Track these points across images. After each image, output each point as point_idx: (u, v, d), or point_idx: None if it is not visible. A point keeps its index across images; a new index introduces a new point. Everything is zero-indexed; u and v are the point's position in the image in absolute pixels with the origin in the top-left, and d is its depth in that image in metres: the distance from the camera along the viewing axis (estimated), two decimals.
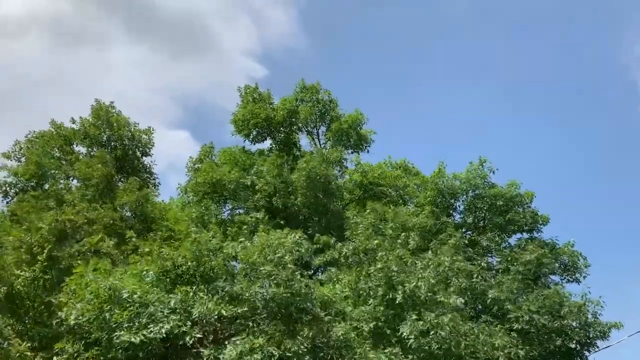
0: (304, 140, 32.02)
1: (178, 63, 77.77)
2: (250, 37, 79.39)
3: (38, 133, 25.82)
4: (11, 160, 25.19)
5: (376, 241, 19.05)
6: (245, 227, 24.72)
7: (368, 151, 30.50)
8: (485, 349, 17.67)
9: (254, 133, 30.15)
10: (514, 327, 21.71)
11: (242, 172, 28.76)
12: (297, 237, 17.13)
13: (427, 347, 16.51)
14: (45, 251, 19.34)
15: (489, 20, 76.82)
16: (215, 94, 78.39)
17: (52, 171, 24.52)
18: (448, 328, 16.46)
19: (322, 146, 30.69)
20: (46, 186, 24.39)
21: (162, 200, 27.43)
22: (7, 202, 24.37)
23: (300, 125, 30.88)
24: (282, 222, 25.03)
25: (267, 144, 31.10)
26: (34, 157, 24.41)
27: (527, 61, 76.70)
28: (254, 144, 30.79)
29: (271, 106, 30.50)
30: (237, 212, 28.75)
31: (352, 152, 30.28)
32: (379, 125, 33.54)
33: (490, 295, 22.52)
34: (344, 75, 73.19)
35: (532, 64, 77.22)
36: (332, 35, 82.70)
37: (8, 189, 24.55)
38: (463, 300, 18.63)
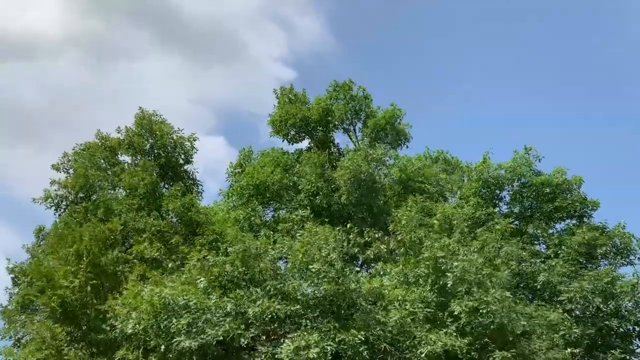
0: (341, 138, 32.17)
1: (209, 72, 79.18)
2: (279, 44, 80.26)
3: (85, 145, 26.41)
4: (60, 173, 25.91)
5: (422, 232, 19.03)
6: (290, 224, 24.95)
7: (407, 146, 30.45)
8: (541, 330, 17.55)
9: (292, 133, 30.35)
10: (567, 308, 21.57)
11: (284, 172, 28.98)
12: (341, 233, 17.38)
13: (480, 328, 16.56)
14: (86, 260, 19.92)
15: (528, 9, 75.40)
16: (247, 100, 79.47)
17: (99, 182, 25.11)
18: (498, 303, 16.46)
19: (359, 143, 30.71)
20: (94, 197, 25.01)
21: (208, 205, 27.97)
22: (59, 215, 25.15)
23: (336, 123, 31.02)
24: (326, 220, 25.13)
25: (305, 143, 31.30)
26: (81, 169, 25.01)
27: (572, 45, 74.90)
28: (292, 144, 31.03)
29: (307, 106, 30.68)
30: (281, 212, 28.99)
31: (391, 148, 30.16)
32: (414, 122, 33.56)
33: (540, 279, 22.40)
34: (375, 78, 72.99)
35: (577, 47, 75.28)
36: (361, 39, 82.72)
37: (60, 201, 25.28)
38: (510, 278, 18.59)
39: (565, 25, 76.11)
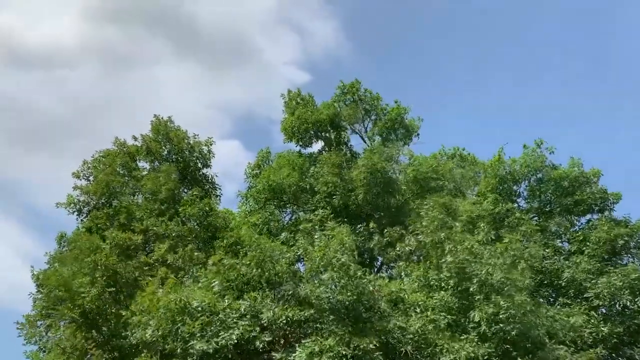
0: (353, 140, 32.00)
1: (225, 77, 79.84)
2: (293, 48, 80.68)
3: (104, 152, 26.82)
4: (81, 180, 26.30)
5: (443, 234, 18.75)
6: (310, 224, 24.92)
7: (418, 137, 30.18)
8: (565, 331, 17.21)
9: (305, 137, 30.30)
10: (594, 305, 21.16)
11: (301, 174, 28.96)
12: (355, 236, 17.30)
13: (502, 333, 16.33)
14: (102, 269, 20.17)
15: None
16: (261, 103, 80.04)
17: (120, 188, 25.44)
18: (518, 308, 16.25)
19: (371, 142, 30.60)
20: (115, 202, 25.36)
21: (226, 208, 28.16)
22: (81, 221, 25.56)
23: (346, 125, 30.98)
24: (345, 220, 24.99)
25: (318, 146, 31.24)
26: (103, 175, 25.37)
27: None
28: (305, 148, 31.04)
29: (316, 107, 30.64)
30: (299, 214, 28.97)
31: (403, 145, 29.99)
32: (428, 122, 32.99)
33: (565, 276, 22.00)
34: (389, 79, 72.93)
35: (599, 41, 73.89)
36: (375, 42, 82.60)
37: (82, 207, 25.70)
38: (532, 282, 18.24)
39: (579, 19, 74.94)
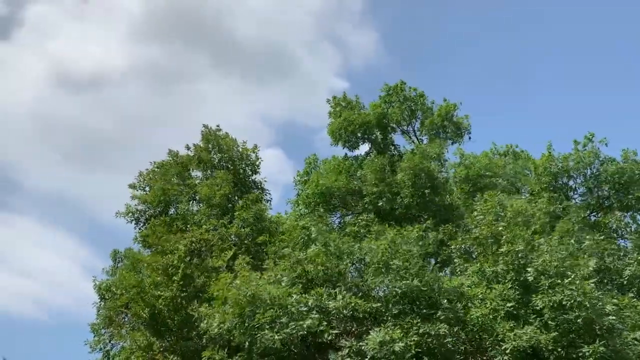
0: (400, 140, 31.97)
1: (266, 88, 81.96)
2: (333, 60, 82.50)
3: (158, 163, 27.68)
4: (137, 190, 27.12)
5: (500, 227, 18.58)
6: (356, 227, 24.98)
7: (470, 137, 29.83)
8: (633, 322, 16.79)
9: (352, 140, 30.45)
10: None
11: (348, 177, 29.13)
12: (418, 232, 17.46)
13: (565, 324, 15.96)
14: (180, 271, 20.70)
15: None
16: (302, 113, 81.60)
17: (176, 196, 26.15)
18: (584, 295, 15.85)
19: (419, 142, 30.47)
20: (171, 211, 26.08)
21: (279, 214, 28.63)
22: (140, 229, 26.34)
23: (393, 125, 30.95)
24: (392, 222, 24.99)
25: (365, 148, 31.32)
26: (161, 183, 26.14)
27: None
28: (352, 150, 31.18)
29: (363, 111, 30.77)
30: (348, 217, 29.10)
31: (452, 143, 29.80)
32: (479, 123, 32.41)
33: (627, 274, 21.46)
34: (431, 90, 73.30)
35: None
36: (415, 54, 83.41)
37: (139, 216, 26.48)
38: (595, 267, 17.86)
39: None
